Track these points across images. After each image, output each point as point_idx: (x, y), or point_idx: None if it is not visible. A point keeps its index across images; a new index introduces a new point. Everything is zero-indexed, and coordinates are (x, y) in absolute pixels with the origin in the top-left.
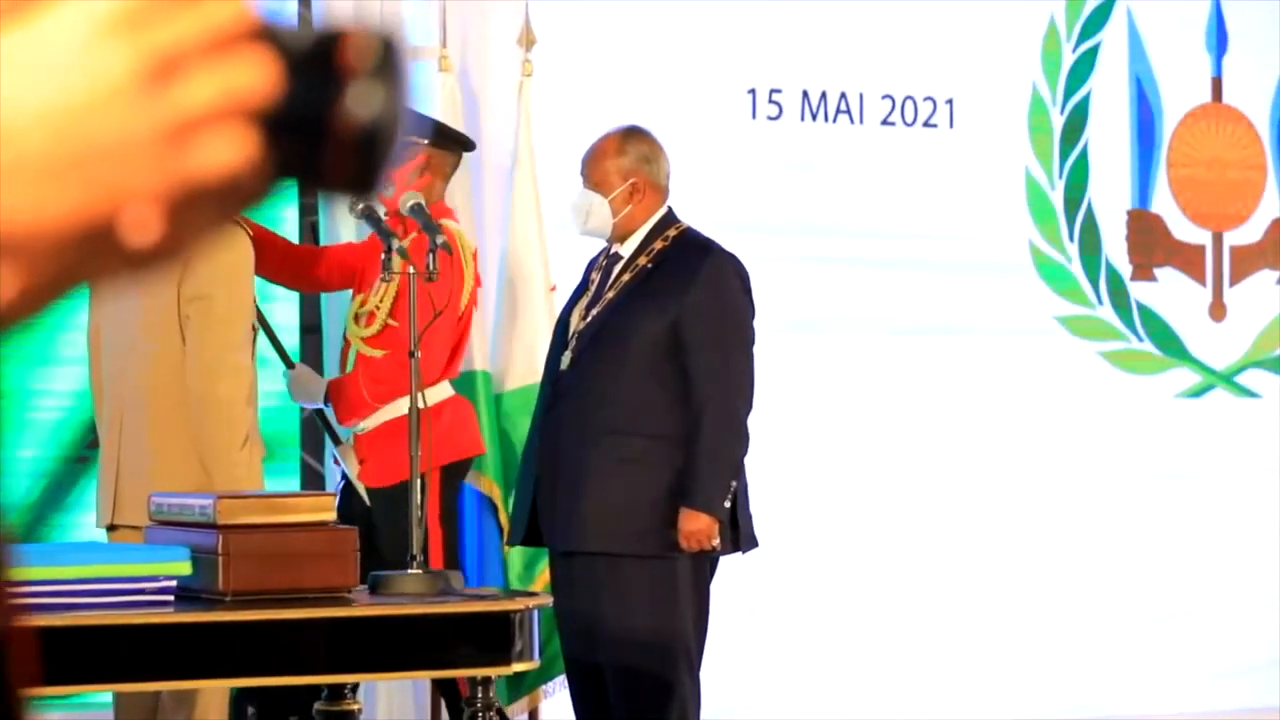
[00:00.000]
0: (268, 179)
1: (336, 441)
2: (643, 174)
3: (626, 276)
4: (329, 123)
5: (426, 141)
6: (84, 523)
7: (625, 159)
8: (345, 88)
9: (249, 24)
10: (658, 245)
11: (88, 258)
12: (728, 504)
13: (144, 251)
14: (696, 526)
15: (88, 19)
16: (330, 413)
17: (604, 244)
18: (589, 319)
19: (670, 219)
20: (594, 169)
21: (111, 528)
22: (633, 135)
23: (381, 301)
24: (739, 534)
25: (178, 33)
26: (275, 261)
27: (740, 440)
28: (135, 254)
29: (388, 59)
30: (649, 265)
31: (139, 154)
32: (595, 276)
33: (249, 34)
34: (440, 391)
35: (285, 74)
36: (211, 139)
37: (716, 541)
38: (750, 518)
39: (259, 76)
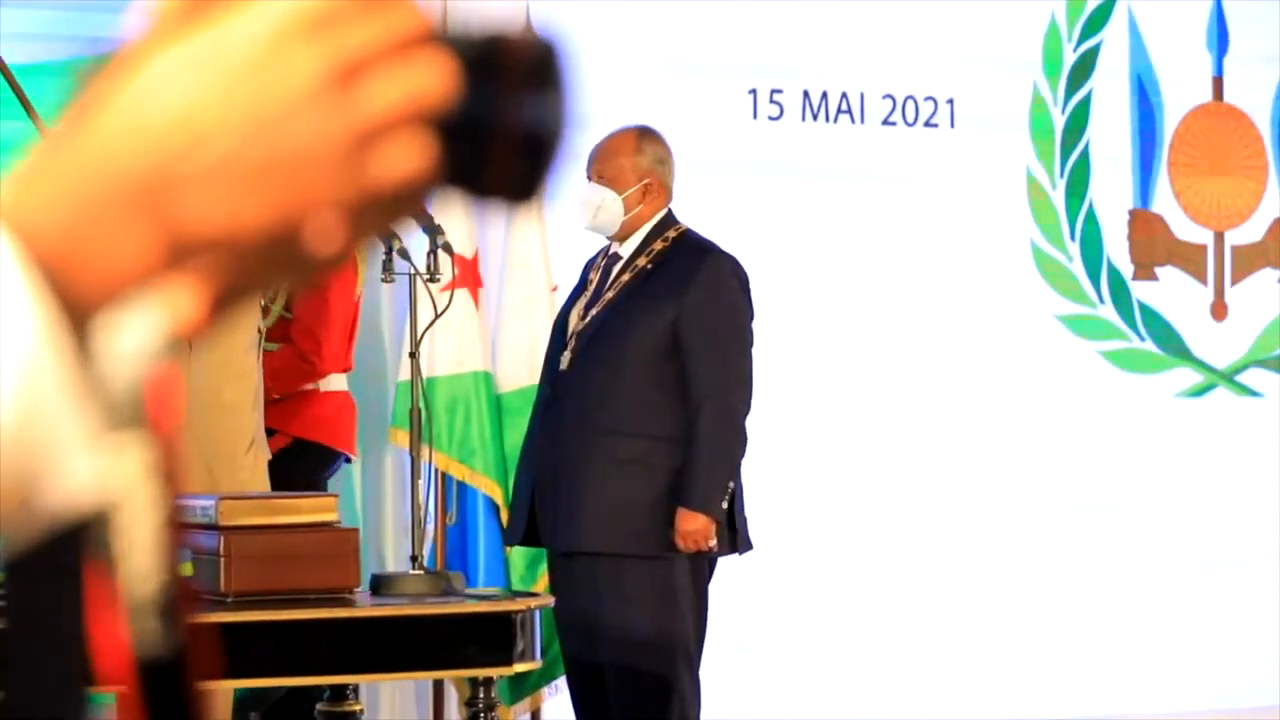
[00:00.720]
0: (436, 185)
1: None
2: (657, 175)
3: (626, 277)
4: (495, 129)
5: None
6: None
7: (643, 158)
8: (512, 94)
9: (428, 27)
10: (658, 246)
11: (269, 265)
12: (725, 505)
13: (318, 259)
14: (694, 527)
15: (275, 21)
16: None
17: (602, 243)
18: (588, 319)
19: (670, 220)
20: (608, 164)
21: None
22: (649, 135)
23: (277, 294)
24: (736, 535)
25: (363, 36)
26: None
27: (738, 441)
28: (310, 261)
29: (554, 64)
30: (649, 266)
31: (326, 159)
32: (594, 277)
33: (428, 38)
34: (336, 382)
35: (460, 79)
36: (395, 145)
37: (714, 542)
38: (745, 520)
39: (439, 81)
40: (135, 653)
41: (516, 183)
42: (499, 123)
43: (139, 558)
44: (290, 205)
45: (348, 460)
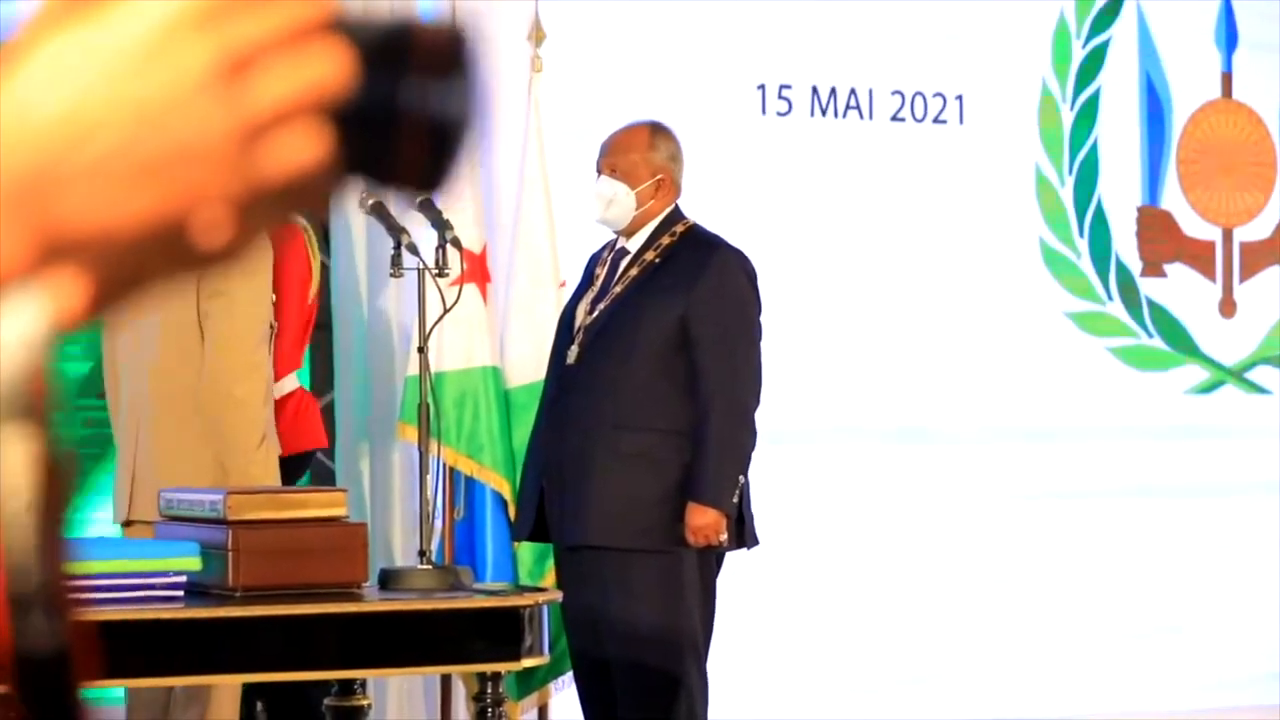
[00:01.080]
0: (337, 176)
1: None
2: (669, 171)
3: (634, 271)
4: (400, 118)
5: None
6: (96, 518)
7: (657, 154)
8: (416, 83)
9: (325, 16)
10: (665, 241)
11: (155, 259)
12: (735, 499)
13: (209, 252)
14: (704, 521)
15: (163, 12)
16: None
17: (608, 239)
18: (595, 314)
19: (677, 215)
20: (622, 158)
21: (127, 523)
22: (662, 131)
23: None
24: (744, 530)
25: (255, 26)
26: None
27: (748, 435)
28: (200, 255)
29: (461, 53)
30: (656, 260)
31: (216, 152)
32: (600, 271)
33: (325, 26)
34: (288, 384)
35: (359, 68)
36: (287, 136)
37: (724, 537)
38: (752, 515)
39: (335, 71)
40: (16, 650)
41: (423, 171)
42: (403, 112)
43: (19, 554)
44: (177, 199)
45: (323, 452)
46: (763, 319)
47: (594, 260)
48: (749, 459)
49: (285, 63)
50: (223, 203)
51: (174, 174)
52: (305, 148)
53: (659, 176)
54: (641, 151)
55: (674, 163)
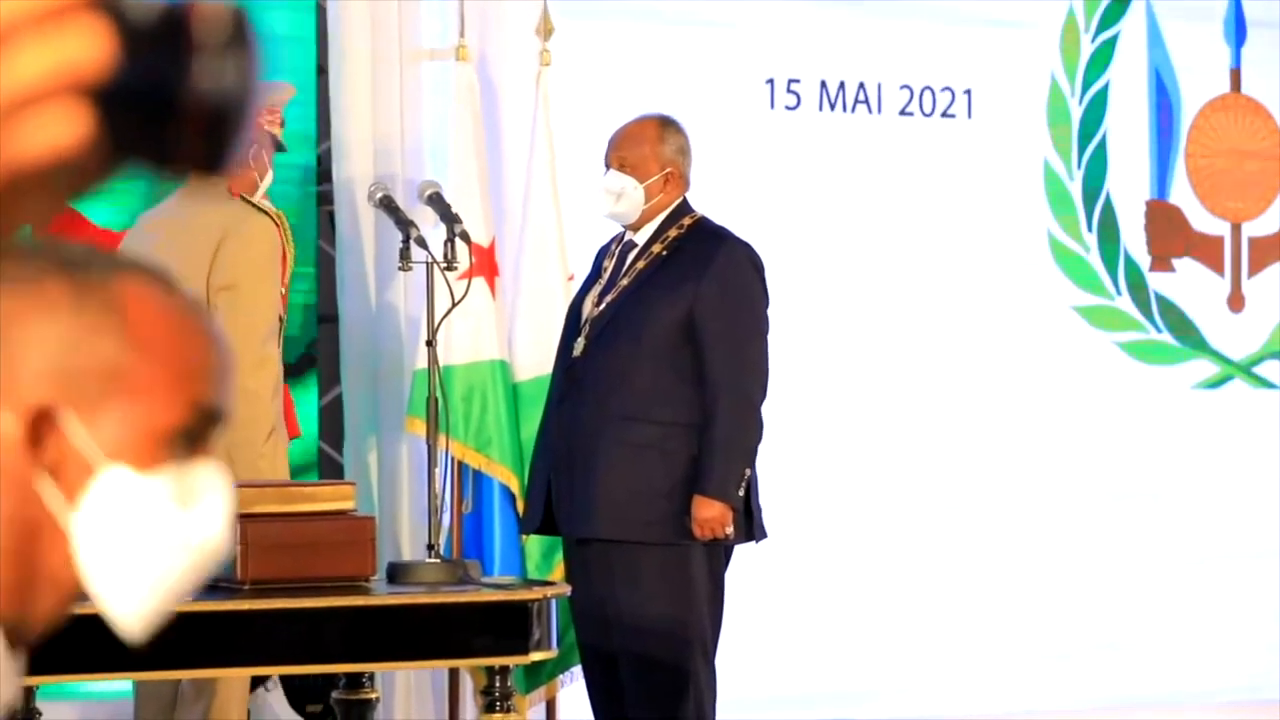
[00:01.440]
0: (108, 159)
1: None
2: (678, 165)
3: (641, 264)
4: (175, 99)
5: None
6: None
7: (666, 148)
8: (192, 63)
9: None
10: (672, 233)
11: None
12: (742, 492)
13: None
14: (710, 514)
15: None
16: None
17: (615, 232)
18: (603, 306)
19: (685, 208)
20: (630, 152)
21: None
22: (671, 125)
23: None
24: (752, 523)
25: (8, 6)
26: None
27: (755, 428)
28: None
29: (237, 33)
30: (664, 253)
31: None
32: (608, 264)
33: (84, 5)
34: None
35: (126, 48)
36: (42, 117)
37: (730, 529)
38: (760, 508)
39: (93, 50)
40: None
41: (202, 153)
42: (179, 92)
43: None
44: None
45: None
46: (770, 312)
47: (602, 253)
48: (755, 452)
49: (38, 42)
50: None
51: None
52: (61, 129)
53: (667, 170)
54: (651, 145)
55: (682, 156)
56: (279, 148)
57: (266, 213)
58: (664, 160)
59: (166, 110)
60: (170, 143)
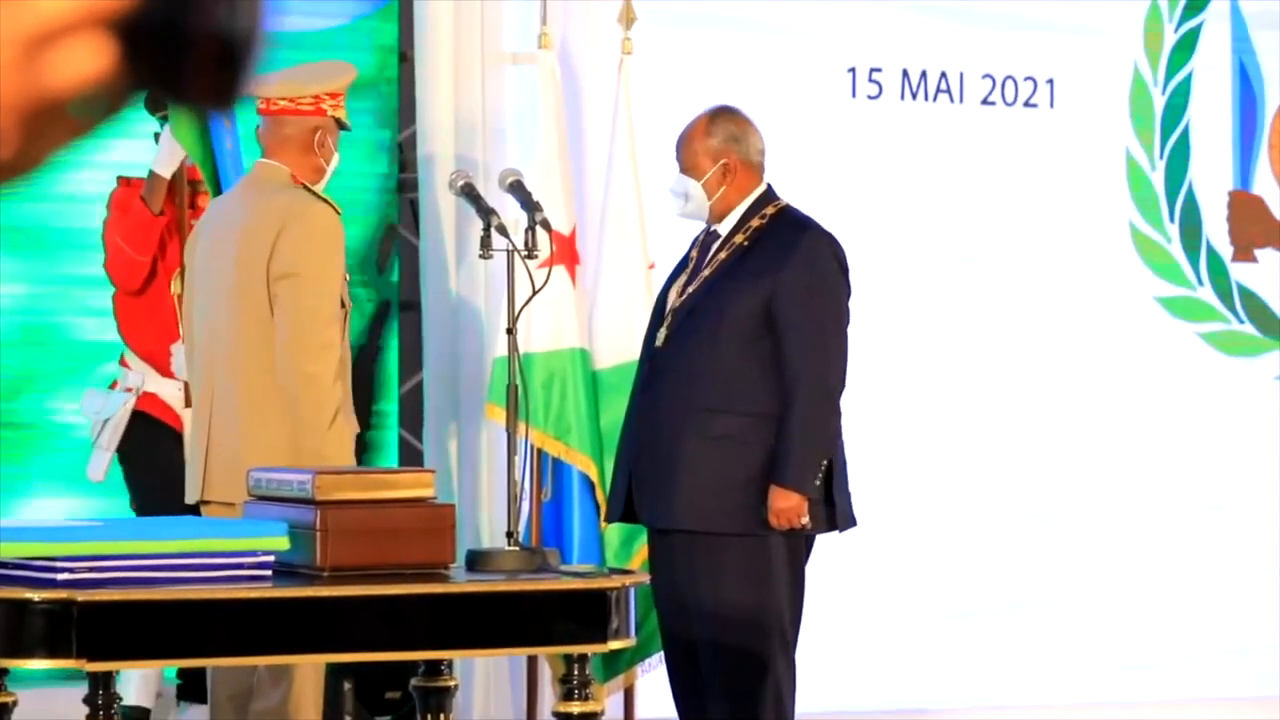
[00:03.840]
0: (126, 89)
1: None
2: (732, 154)
3: (723, 254)
4: (187, 33)
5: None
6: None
7: (713, 140)
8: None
9: None
10: (755, 223)
11: None
12: (820, 482)
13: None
14: (786, 504)
15: None
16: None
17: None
18: (685, 296)
19: (769, 196)
20: (685, 153)
21: (201, 504)
22: (720, 115)
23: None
24: (835, 512)
25: None
26: None
27: (833, 418)
28: None
29: None
30: (745, 243)
31: None
32: (694, 254)
33: None
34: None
35: None
36: (68, 49)
37: (806, 520)
38: (849, 496)
39: None
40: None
41: (212, 86)
42: (190, 27)
43: None
44: None
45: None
46: (851, 303)
47: (694, 243)
48: (833, 442)
49: None
50: (6, 114)
51: None
52: (87, 61)
53: (721, 161)
54: (699, 140)
55: (736, 143)
56: (343, 128)
57: (327, 201)
58: (714, 153)
59: (180, 43)
60: (183, 75)
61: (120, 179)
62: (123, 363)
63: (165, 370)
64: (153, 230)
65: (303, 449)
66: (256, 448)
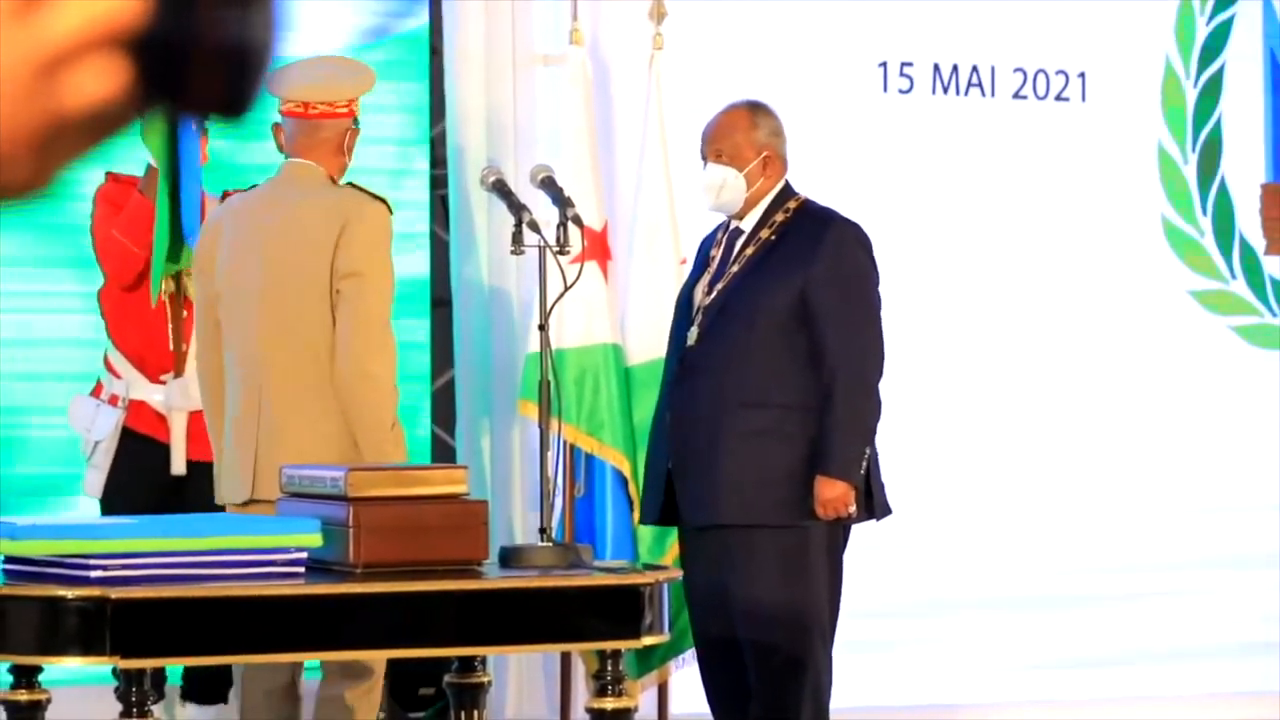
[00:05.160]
0: (136, 105)
1: None
2: (773, 147)
3: (751, 250)
4: (199, 46)
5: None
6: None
7: (759, 133)
8: (212, 10)
9: None
10: (779, 218)
11: None
12: (862, 471)
13: (12, 185)
14: (834, 494)
15: None
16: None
17: (719, 220)
18: (714, 294)
19: (789, 191)
20: (725, 142)
21: (248, 502)
22: (760, 109)
23: None
24: (873, 501)
25: None
26: None
27: (873, 407)
28: (3, 188)
29: None
30: (772, 238)
31: (13, 85)
32: (715, 253)
33: None
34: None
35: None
36: (83, 68)
37: (853, 508)
38: (883, 485)
39: (128, 2)
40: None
41: (223, 96)
42: (202, 40)
43: None
44: None
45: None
46: (881, 290)
47: (708, 242)
48: (874, 431)
49: None
50: (20, 137)
51: None
52: (101, 80)
53: (764, 154)
54: (745, 132)
55: (777, 138)
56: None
57: (383, 200)
58: (759, 145)
59: (192, 56)
60: (195, 87)
61: (109, 174)
62: (107, 365)
63: (153, 375)
64: (151, 223)
65: (364, 450)
66: (309, 448)
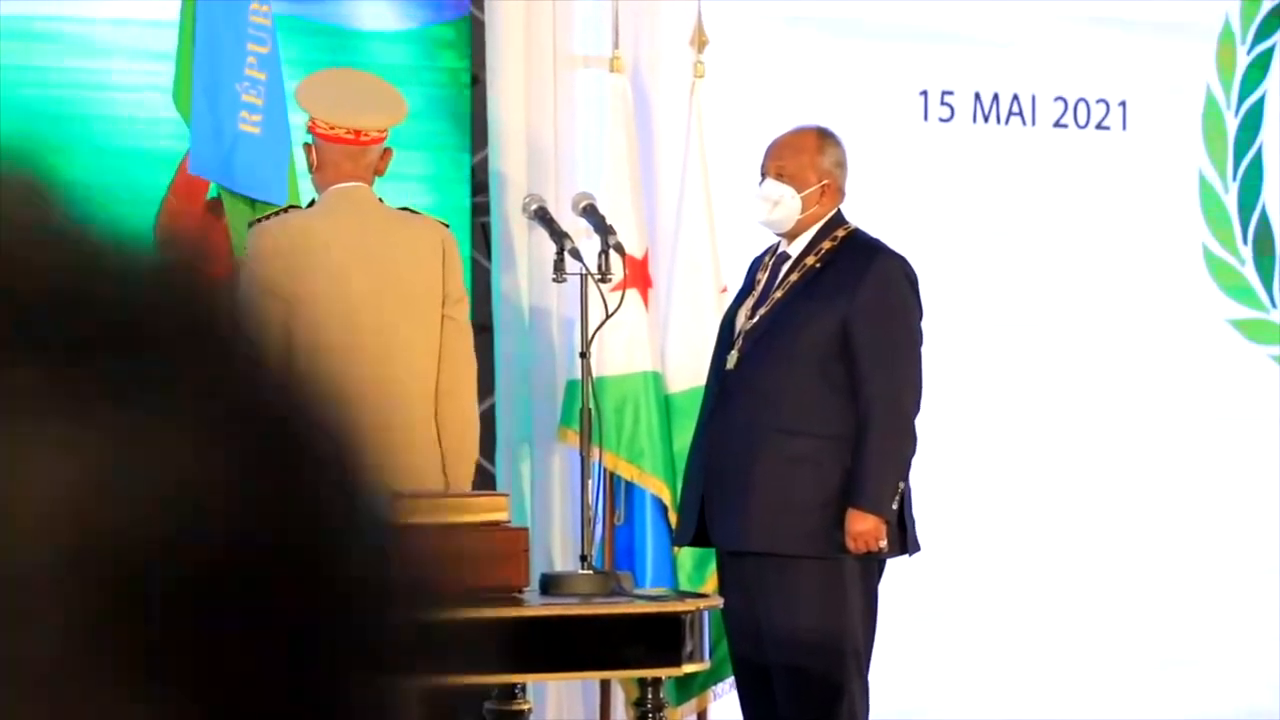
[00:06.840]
0: None
1: None
2: (835, 178)
3: (794, 276)
4: None
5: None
6: None
7: (825, 159)
8: None
9: None
10: (826, 245)
11: None
12: (895, 505)
13: None
14: (864, 527)
15: None
16: None
17: (769, 244)
18: (756, 319)
19: (839, 220)
20: (790, 161)
21: None
22: (830, 137)
23: None
24: (906, 536)
25: None
26: None
27: (909, 440)
28: None
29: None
30: (817, 265)
31: None
32: (761, 277)
33: None
34: None
35: None
36: None
37: (884, 543)
38: (914, 521)
39: None
40: None
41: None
42: None
43: None
44: None
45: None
46: (924, 325)
47: (755, 265)
48: (909, 465)
49: None
50: None
51: None
52: None
53: (825, 182)
54: (810, 155)
55: (840, 169)
56: None
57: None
58: (822, 171)
59: None
60: None
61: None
62: None
63: None
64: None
65: (453, 477)
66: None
